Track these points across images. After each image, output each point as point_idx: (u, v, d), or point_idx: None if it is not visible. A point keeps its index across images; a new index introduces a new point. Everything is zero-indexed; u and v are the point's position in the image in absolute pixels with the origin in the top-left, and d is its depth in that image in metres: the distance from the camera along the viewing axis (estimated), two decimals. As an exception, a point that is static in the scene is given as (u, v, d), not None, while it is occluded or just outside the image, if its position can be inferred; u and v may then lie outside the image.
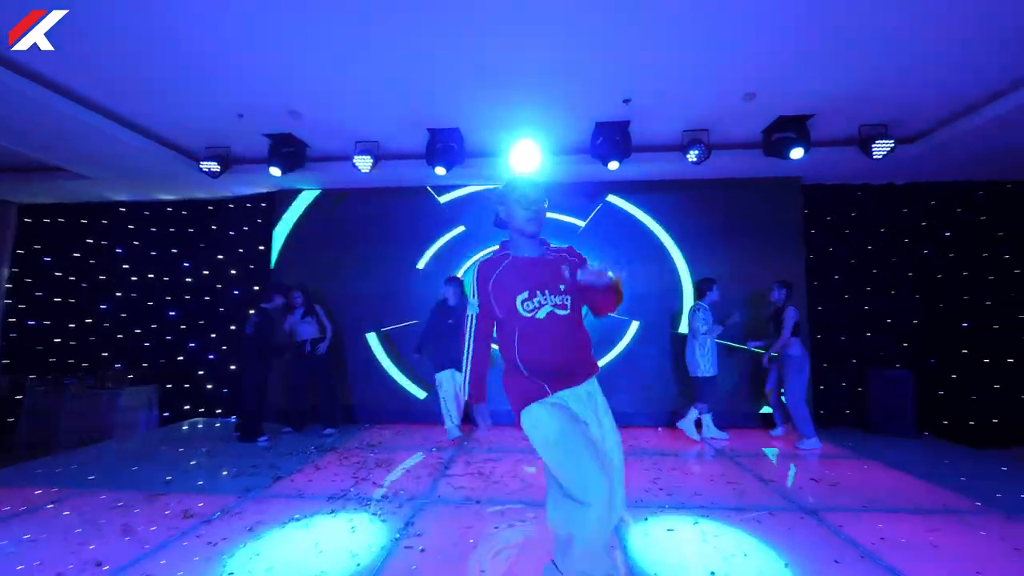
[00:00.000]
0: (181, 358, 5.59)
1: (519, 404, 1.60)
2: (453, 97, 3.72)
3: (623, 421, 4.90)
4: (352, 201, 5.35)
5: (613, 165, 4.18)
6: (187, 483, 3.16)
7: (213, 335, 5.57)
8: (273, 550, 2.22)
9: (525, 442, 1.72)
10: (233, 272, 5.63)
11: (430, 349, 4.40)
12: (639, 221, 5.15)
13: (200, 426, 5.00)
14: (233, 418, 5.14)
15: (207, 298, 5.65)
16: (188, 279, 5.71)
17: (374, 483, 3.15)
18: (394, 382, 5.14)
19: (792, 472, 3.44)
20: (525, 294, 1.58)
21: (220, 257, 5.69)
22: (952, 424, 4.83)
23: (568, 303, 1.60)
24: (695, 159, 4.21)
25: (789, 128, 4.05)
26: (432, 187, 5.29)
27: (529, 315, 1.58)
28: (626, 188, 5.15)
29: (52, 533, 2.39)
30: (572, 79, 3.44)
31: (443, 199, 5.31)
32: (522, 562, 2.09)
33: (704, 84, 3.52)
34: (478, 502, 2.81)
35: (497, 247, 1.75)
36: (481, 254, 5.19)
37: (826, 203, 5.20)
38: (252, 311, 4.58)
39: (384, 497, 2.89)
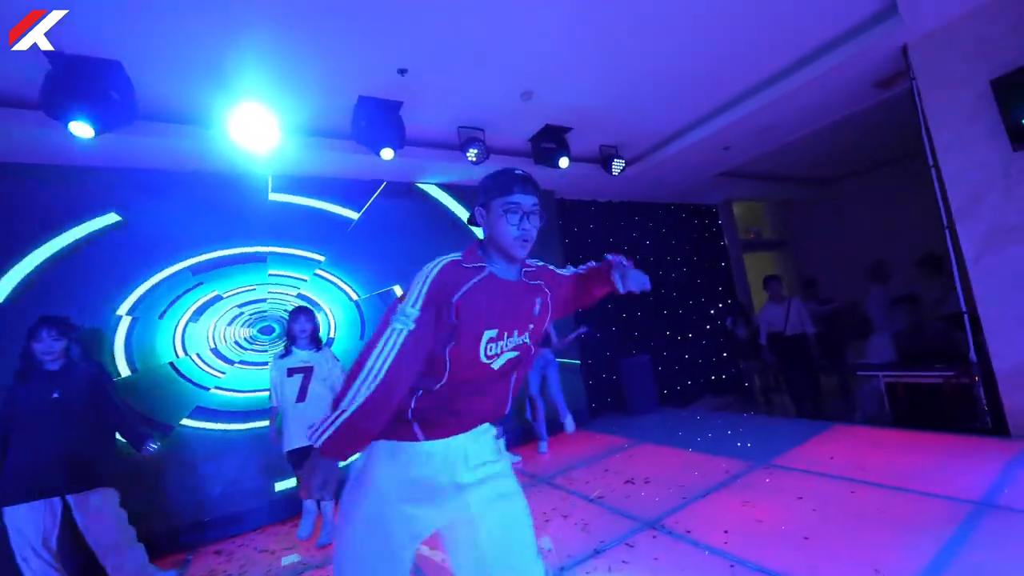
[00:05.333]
0: None
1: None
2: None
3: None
4: None
5: (387, 153, 3.31)
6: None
7: None
8: None
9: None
10: None
11: None
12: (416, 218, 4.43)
13: None
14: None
15: None
16: None
17: None
18: None
19: (609, 480, 3.32)
20: (494, 332, 1.17)
21: None
22: (670, 394, 6.06)
23: (523, 345, 1.25)
24: (474, 158, 3.81)
25: (553, 138, 4.16)
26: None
27: (487, 362, 1.18)
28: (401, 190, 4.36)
29: None
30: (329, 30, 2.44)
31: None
32: None
33: (483, 75, 3.13)
34: None
35: (468, 249, 1.24)
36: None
37: (573, 216, 5.77)
38: None
39: None
